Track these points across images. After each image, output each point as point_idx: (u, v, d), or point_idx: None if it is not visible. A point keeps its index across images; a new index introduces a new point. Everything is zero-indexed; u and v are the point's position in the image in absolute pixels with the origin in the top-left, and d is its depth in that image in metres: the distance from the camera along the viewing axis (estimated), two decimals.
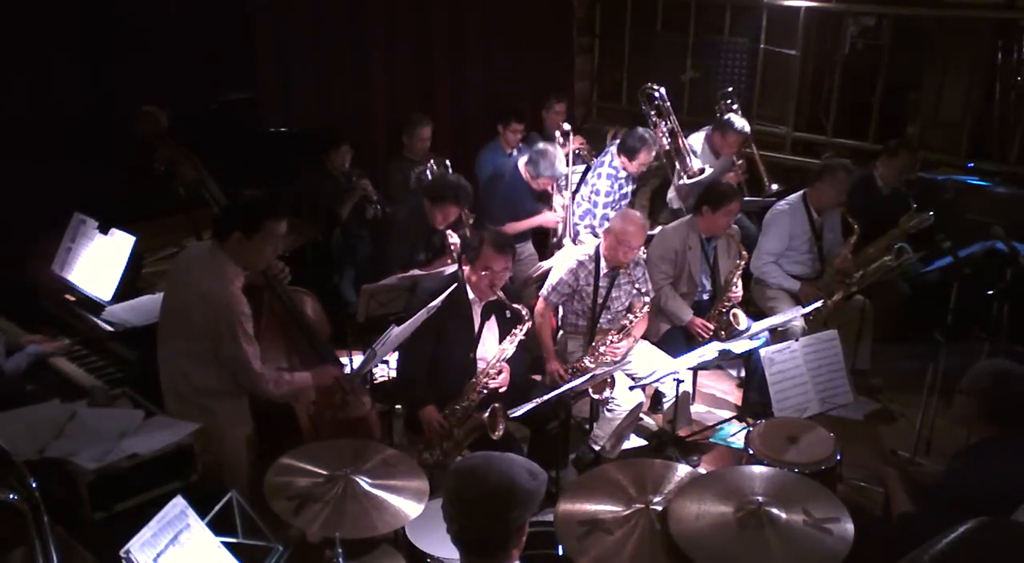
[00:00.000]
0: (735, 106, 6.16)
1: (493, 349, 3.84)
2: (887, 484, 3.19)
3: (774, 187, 6.02)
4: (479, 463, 2.06)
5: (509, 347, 3.77)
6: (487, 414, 3.54)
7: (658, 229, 5.08)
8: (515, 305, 3.77)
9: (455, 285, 3.73)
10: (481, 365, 3.81)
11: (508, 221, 5.21)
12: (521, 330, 3.77)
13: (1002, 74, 6.23)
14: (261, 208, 3.11)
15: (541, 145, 5.31)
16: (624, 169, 5.45)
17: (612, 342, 4.19)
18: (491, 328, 3.90)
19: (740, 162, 6.01)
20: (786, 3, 6.77)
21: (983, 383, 2.95)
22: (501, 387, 3.76)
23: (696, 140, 5.93)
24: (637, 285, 4.31)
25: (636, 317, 4.26)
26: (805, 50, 6.81)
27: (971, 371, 3.03)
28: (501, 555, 2.02)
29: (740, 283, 4.68)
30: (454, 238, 4.74)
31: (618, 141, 5.49)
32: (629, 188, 5.58)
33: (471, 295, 3.82)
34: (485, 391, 3.73)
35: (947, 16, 6.22)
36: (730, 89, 6.32)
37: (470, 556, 2.03)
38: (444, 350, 3.80)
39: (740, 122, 5.73)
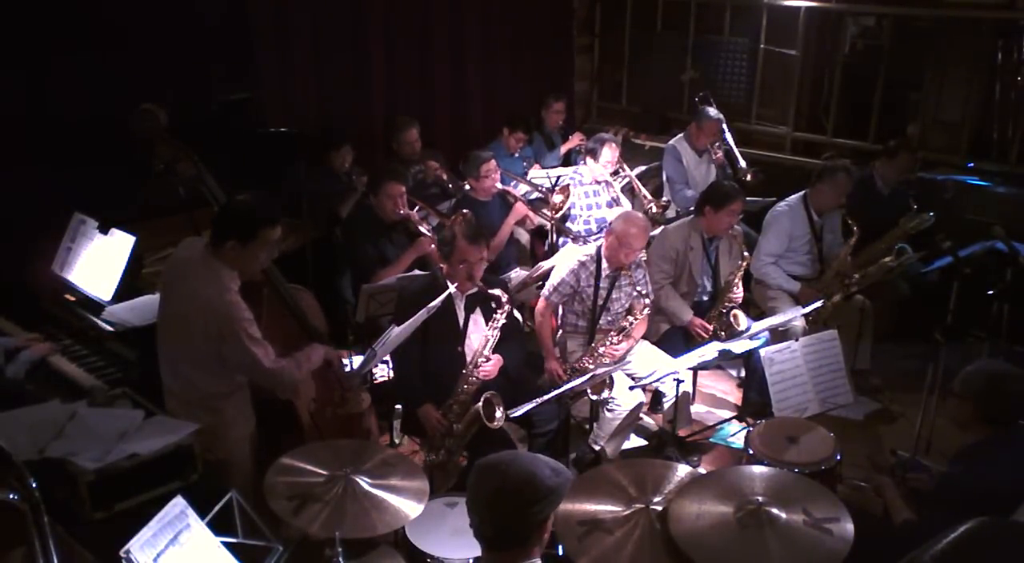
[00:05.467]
0: (711, 100, 6.40)
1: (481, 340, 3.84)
2: (884, 494, 3.17)
3: (749, 176, 6.10)
4: (503, 458, 2.10)
5: (492, 333, 3.75)
6: (481, 403, 3.55)
7: (659, 229, 5.08)
8: (492, 291, 3.76)
9: (437, 283, 3.75)
10: (470, 357, 3.81)
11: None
12: (502, 314, 3.75)
13: (1002, 74, 6.22)
14: (256, 215, 3.08)
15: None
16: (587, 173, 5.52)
17: (612, 343, 4.19)
18: (477, 321, 3.90)
19: (719, 155, 6.13)
20: (786, 3, 6.76)
21: (976, 385, 2.95)
22: (490, 375, 3.75)
23: (678, 144, 6.05)
24: (638, 287, 4.31)
25: (636, 319, 4.26)
26: (805, 50, 6.81)
27: (963, 373, 3.02)
28: (519, 551, 2.03)
29: (741, 285, 4.67)
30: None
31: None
32: (605, 194, 5.59)
33: (452, 289, 3.81)
34: (475, 380, 3.73)
35: (947, 16, 6.21)
36: (703, 93, 6.61)
37: (490, 551, 2.05)
38: (432, 348, 3.81)
39: (712, 110, 6.06)
